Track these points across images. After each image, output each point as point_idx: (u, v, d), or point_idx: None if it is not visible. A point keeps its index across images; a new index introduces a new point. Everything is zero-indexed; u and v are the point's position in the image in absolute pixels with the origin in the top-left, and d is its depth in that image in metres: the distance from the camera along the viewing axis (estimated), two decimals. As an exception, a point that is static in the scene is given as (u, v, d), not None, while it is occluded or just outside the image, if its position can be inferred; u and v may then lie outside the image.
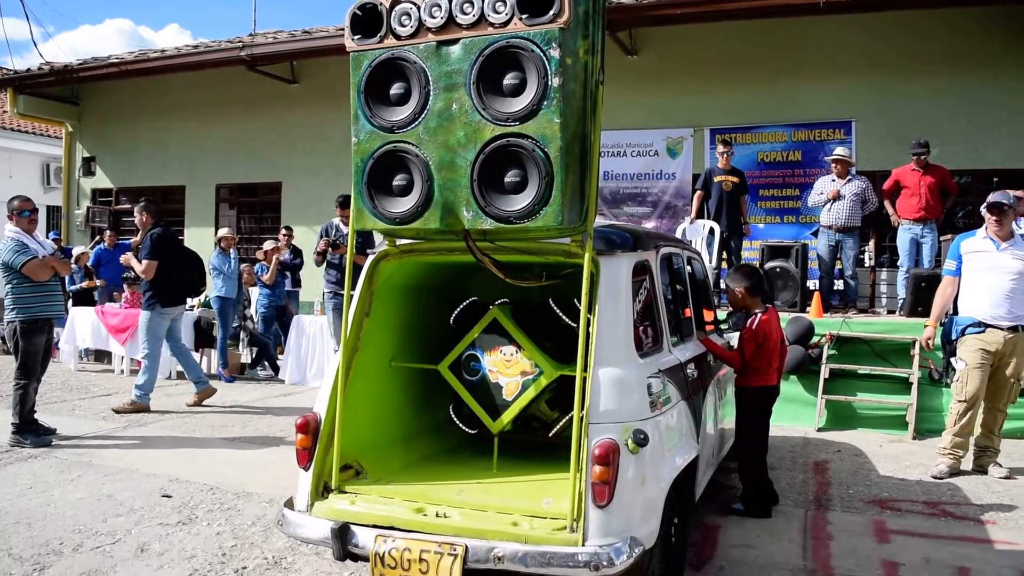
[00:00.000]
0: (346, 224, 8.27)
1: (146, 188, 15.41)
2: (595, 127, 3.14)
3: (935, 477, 5.91)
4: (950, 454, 6.01)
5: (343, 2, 3.29)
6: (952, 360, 6.16)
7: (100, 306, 11.17)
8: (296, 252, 11.51)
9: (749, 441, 4.95)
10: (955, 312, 6.15)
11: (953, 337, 6.03)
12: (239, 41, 12.94)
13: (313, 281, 12.20)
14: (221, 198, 14.90)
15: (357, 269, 8.03)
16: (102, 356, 11.66)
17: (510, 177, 3.06)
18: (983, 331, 5.83)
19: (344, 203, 8.28)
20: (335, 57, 2.78)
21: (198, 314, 10.64)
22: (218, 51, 13.14)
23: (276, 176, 14.11)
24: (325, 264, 8.53)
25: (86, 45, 58.04)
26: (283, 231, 11.58)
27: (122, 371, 10.67)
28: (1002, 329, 5.78)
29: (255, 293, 11.22)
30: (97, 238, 14.00)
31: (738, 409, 4.97)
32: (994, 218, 5.83)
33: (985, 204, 5.92)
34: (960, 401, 5.93)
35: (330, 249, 8.32)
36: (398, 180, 3.25)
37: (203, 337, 10.57)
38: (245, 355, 11.13)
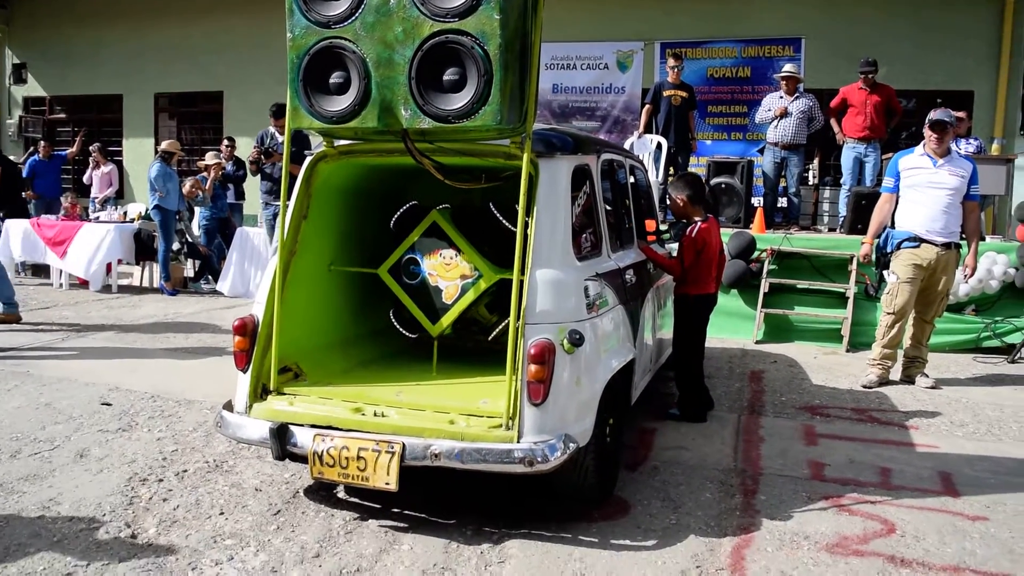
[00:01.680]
0: (281, 133, 8.19)
1: (81, 96, 14.88)
2: (536, 25, 3.07)
3: (865, 386, 6.11)
4: (879, 364, 6.20)
5: None
6: (885, 273, 6.29)
7: (36, 218, 10.84)
8: (239, 163, 11.25)
9: (686, 348, 5.05)
10: (892, 227, 6.25)
11: (888, 251, 6.13)
12: (177, -60, 12.39)
13: (256, 193, 11.98)
14: (160, 108, 14.44)
15: (293, 179, 7.96)
16: (40, 270, 11.37)
17: (449, 75, 3.01)
18: (917, 246, 5.94)
19: (278, 112, 8.17)
20: (279, -37, 2.71)
21: (138, 226, 10.41)
22: (155, -48, 12.58)
23: (217, 85, 13.70)
24: (259, 174, 8.49)
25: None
26: (225, 142, 11.30)
27: (61, 284, 10.43)
28: (936, 245, 5.90)
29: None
30: (31, 149, 13.51)
31: (676, 317, 5.05)
32: (935, 135, 5.89)
33: (927, 121, 5.97)
34: (889, 313, 6.10)
35: (263, 157, 8.24)
36: (335, 78, 3.18)
37: (144, 249, 10.36)
38: (188, 268, 10.95)
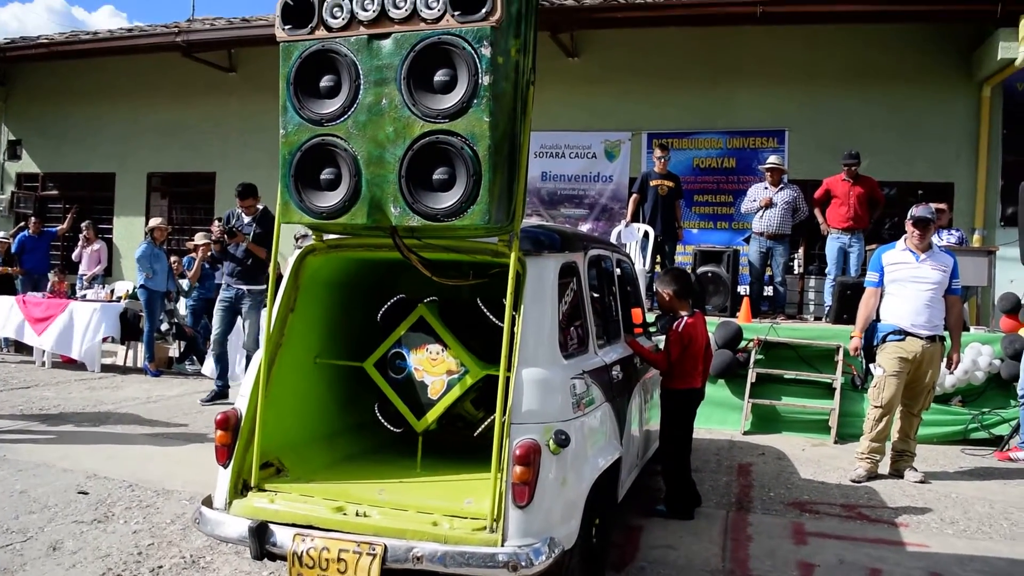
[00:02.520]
0: (247, 213, 8.11)
1: (74, 174, 14.99)
2: (525, 127, 3.13)
3: (853, 481, 6.05)
4: (867, 458, 6.17)
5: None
6: (871, 366, 6.29)
7: (22, 295, 10.81)
8: (228, 244, 11.29)
9: (672, 443, 5.00)
10: (877, 320, 6.28)
11: (874, 343, 6.16)
12: (175, 26, 12.67)
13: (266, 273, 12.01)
14: (153, 187, 14.53)
15: (256, 260, 7.68)
16: (23, 347, 11.27)
17: (438, 174, 3.05)
18: (903, 339, 5.98)
19: (244, 192, 8.10)
20: (273, 46, 2.73)
21: (125, 305, 10.37)
22: (153, 36, 12.85)
23: (210, 166, 13.82)
24: (223, 254, 8.29)
25: (14, 24, 56.07)
26: (216, 223, 11.34)
27: (43, 363, 10.34)
28: (921, 338, 5.94)
29: (186, 285, 10.97)
30: (21, 224, 13.54)
31: (663, 411, 5.02)
32: (918, 232, 6.00)
33: (910, 218, 6.08)
34: (876, 407, 6.10)
35: (227, 237, 8.04)
36: (326, 174, 3.21)
37: (129, 329, 10.30)
38: (173, 349, 10.87)
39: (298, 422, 3.81)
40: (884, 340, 6.06)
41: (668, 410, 4.99)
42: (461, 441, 4.08)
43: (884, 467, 6.25)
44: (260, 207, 8.20)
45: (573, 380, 3.33)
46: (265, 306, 8.11)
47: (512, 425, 3.05)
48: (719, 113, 11.22)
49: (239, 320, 8.42)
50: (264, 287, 8.22)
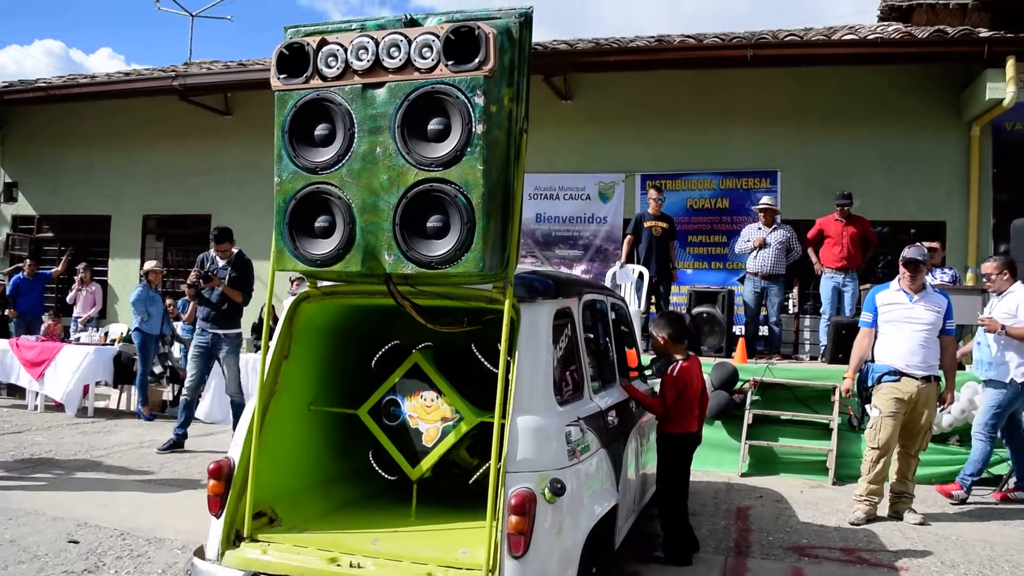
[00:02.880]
0: (222, 257, 8.00)
1: (70, 216, 15.01)
2: (518, 175, 3.15)
3: (852, 524, 5.99)
4: (866, 500, 6.11)
5: (280, 34, 3.27)
6: (867, 407, 6.26)
7: (15, 339, 10.76)
8: (223, 287, 11.30)
9: (669, 488, 4.95)
10: (872, 360, 6.27)
11: (869, 384, 6.15)
12: (172, 70, 12.80)
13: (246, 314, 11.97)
14: (148, 229, 14.55)
15: (232, 304, 7.73)
16: (16, 390, 11.20)
17: (432, 222, 3.06)
18: (898, 379, 5.97)
19: (219, 236, 8.01)
20: (269, 90, 2.75)
21: (118, 349, 10.32)
22: (150, 80, 12.97)
23: (206, 208, 13.84)
24: (197, 298, 8.14)
25: (13, 67, 56.57)
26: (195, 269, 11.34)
27: (36, 407, 10.26)
28: (916, 378, 5.94)
29: (180, 328, 10.95)
30: (16, 266, 13.52)
31: (659, 456, 4.98)
32: (909, 273, 6.03)
33: (901, 259, 6.11)
34: (873, 448, 6.06)
35: (202, 282, 7.88)
36: (320, 222, 3.22)
37: (123, 373, 10.25)
38: (166, 392, 10.81)
39: (292, 470, 3.78)
40: (879, 381, 6.06)
41: (664, 454, 4.95)
42: (456, 488, 4.05)
43: (883, 509, 6.20)
44: (235, 251, 8.10)
45: (568, 427, 3.32)
46: (242, 350, 8.17)
47: (507, 473, 3.03)
48: (712, 154, 11.32)
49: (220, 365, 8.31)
50: (240, 331, 8.22)
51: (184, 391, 8.26)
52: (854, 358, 6.31)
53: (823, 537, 5.65)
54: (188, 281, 8.13)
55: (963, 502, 6.73)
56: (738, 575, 4.75)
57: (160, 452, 7.76)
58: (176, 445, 7.94)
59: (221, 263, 8.01)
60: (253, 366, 9.20)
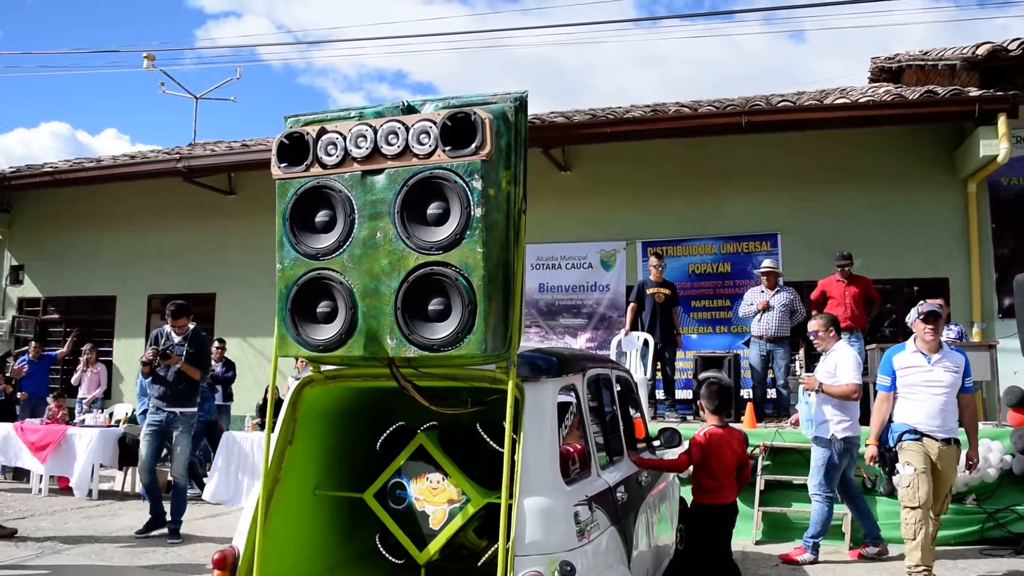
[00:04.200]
0: (178, 333, 7.76)
1: (75, 298, 15.10)
2: (518, 255, 3.18)
3: None
4: (925, 569, 5.58)
5: (280, 116, 3.35)
6: (897, 466, 5.97)
7: (19, 423, 10.72)
8: (228, 365, 11.30)
9: (701, 560, 5.07)
10: (890, 421, 6.05)
11: (890, 444, 5.93)
12: (176, 152, 13.02)
13: (246, 396, 11.96)
14: (153, 309, 14.60)
15: (189, 382, 7.62)
16: (21, 473, 11.12)
17: (434, 305, 3.07)
18: (919, 439, 5.79)
19: (176, 312, 7.77)
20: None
21: (123, 430, 10.27)
22: (155, 162, 13.19)
23: (210, 287, 13.94)
24: (151, 376, 7.72)
25: (20, 149, 57.58)
26: (216, 343, 11.38)
27: (40, 490, 10.17)
28: (936, 440, 5.78)
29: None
30: (23, 348, 13.56)
31: (694, 527, 5.13)
32: (930, 327, 5.82)
33: (918, 314, 5.89)
34: (913, 508, 5.65)
35: (159, 359, 7.57)
36: (322, 307, 3.24)
37: (128, 454, 10.17)
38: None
39: (297, 557, 3.73)
40: (900, 439, 5.84)
41: (698, 523, 5.15)
42: (465, 571, 3.98)
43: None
44: (191, 327, 7.91)
45: (576, 507, 3.28)
46: (195, 430, 7.92)
47: (516, 557, 2.99)
48: (711, 220, 11.42)
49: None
50: (196, 410, 7.97)
51: (139, 474, 7.93)
52: (875, 424, 6.07)
53: (842, 608, 5.52)
54: (143, 358, 7.72)
55: (814, 562, 6.69)
56: (756, 651, 4.63)
57: (138, 536, 7.53)
58: (155, 525, 7.69)
59: (177, 339, 7.77)
60: (257, 445, 9.15)
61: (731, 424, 5.22)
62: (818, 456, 6.75)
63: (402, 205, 3.11)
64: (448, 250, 3.04)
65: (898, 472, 5.94)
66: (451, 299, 3.04)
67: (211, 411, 10.61)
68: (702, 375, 9.13)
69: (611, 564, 3.57)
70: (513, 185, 3.20)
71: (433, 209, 3.10)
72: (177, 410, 7.71)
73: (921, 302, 6.06)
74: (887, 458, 6.05)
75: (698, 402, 5.44)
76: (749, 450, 7.73)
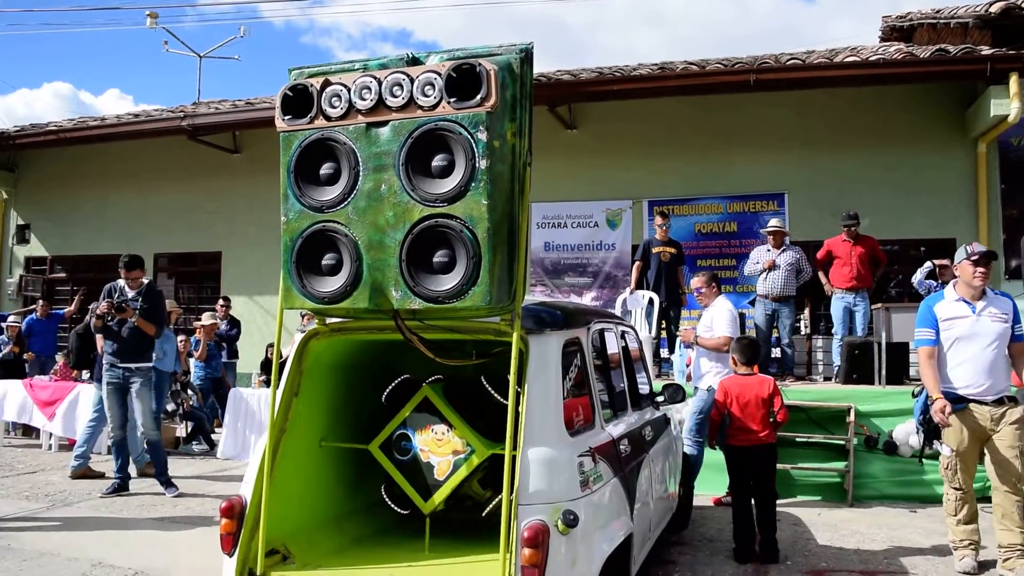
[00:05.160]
0: (132, 287, 7.53)
1: (82, 256, 15.14)
2: (523, 208, 3.17)
3: (964, 571, 5.17)
4: (968, 545, 5.22)
5: (285, 71, 3.32)
6: (936, 443, 5.33)
7: (29, 379, 10.83)
8: (233, 323, 11.36)
9: (734, 494, 5.65)
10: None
11: (930, 413, 5.17)
12: (181, 111, 12.95)
13: (252, 353, 12.04)
14: (160, 267, 14.67)
15: (144, 336, 7.42)
16: (31, 431, 11.25)
17: (438, 257, 3.08)
18: (964, 407, 5.06)
19: (131, 264, 7.51)
20: (276, 128, 2.84)
21: (132, 387, 10.35)
22: (159, 120, 13.13)
23: (216, 246, 13.98)
24: (104, 331, 7.52)
25: (23, 110, 57.36)
26: (221, 302, 11.43)
27: (50, 446, 10.30)
28: (986, 404, 5.07)
29: (193, 365, 11.00)
30: (30, 307, 13.64)
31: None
32: (981, 271, 5.07)
33: (970, 255, 5.12)
34: (955, 489, 5.21)
35: (114, 312, 7.33)
36: (327, 259, 3.25)
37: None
38: (180, 429, 10.82)
39: (304, 507, 3.78)
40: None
41: (728, 463, 5.70)
42: (469, 522, 4.04)
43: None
44: (145, 280, 7.71)
45: (580, 458, 3.31)
46: (153, 384, 7.83)
47: (519, 506, 3.03)
48: (718, 179, 11.36)
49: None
50: (152, 364, 7.76)
51: (110, 433, 7.77)
52: (930, 380, 5.19)
53: (842, 560, 5.59)
54: (97, 311, 7.43)
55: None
56: (756, 602, 4.70)
57: (104, 496, 7.32)
58: (121, 488, 7.52)
59: (131, 293, 7.53)
60: (264, 402, 9.23)
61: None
62: (694, 404, 6.97)
63: (407, 157, 3.11)
64: (453, 202, 3.04)
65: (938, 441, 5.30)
66: (456, 251, 3.05)
67: (218, 368, 10.70)
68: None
69: (614, 514, 3.62)
70: (518, 137, 3.19)
71: (438, 161, 3.09)
72: (132, 365, 7.48)
73: (968, 244, 5.34)
74: (925, 430, 5.39)
75: (731, 356, 5.75)
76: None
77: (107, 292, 7.58)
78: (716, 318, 6.88)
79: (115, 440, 7.62)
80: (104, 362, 7.61)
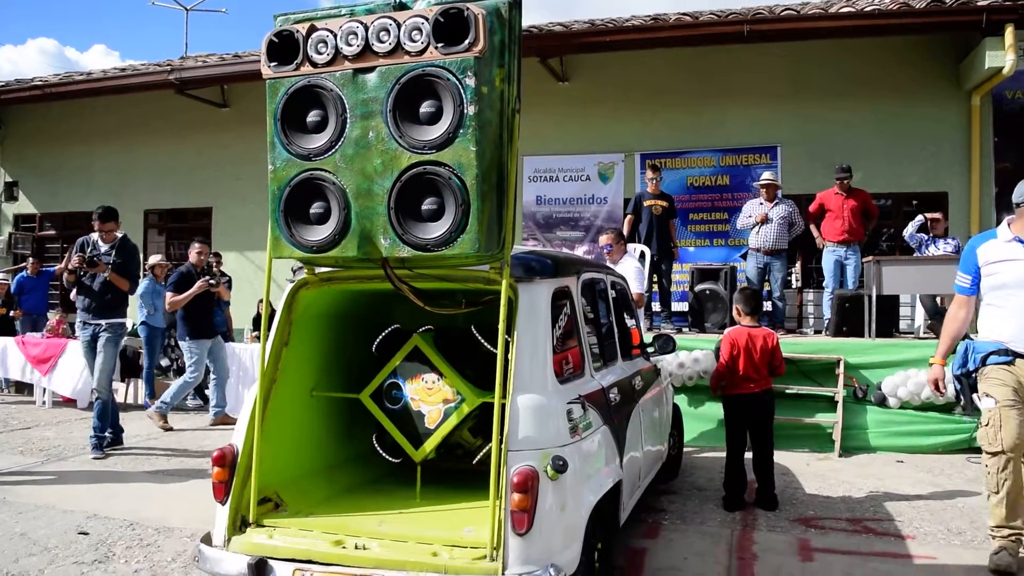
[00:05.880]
0: (105, 241, 7.36)
1: (71, 213, 15.04)
2: (512, 155, 3.14)
3: (994, 570, 4.30)
4: (1012, 532, 4.32)
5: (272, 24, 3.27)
6: (974, 397, 4.52)
7: (21, 336, 10.82)
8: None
9: (728, 443, 5.77)
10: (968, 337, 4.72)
11: (971, 367, 4.50)
12: (168, 64, 12.77)
13: (244, 309, 12.03)
14: (150, 224, 14.60)
15: (117, 292, 7.27)
16: (24, 387, 11.27)
17: (427, 205, 3.06)
18: (1011, 361, 4.32)
19: (105, 215, 7.34)
20: (264, 81, 2.79)
21: (124, 342, 10.35)
22: (146, 74, 12.95)
23: (206, 201, 13.91)
24: (77, 286, 7.36)
25: (8, 67, 56.53)
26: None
27: (44, 403, 10.33)
28: None
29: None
30: (20, 265, 13.58)
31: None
32: None
33: None
34: (996, 453, 4.28)
35: (86, 266, 7.13)
36: (315, 208, 3.23)
37: (130, 367, 10.30)
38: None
39: (295, 456, 3.80)
40: (984, 363, 4.43)
41: (725, 413, 5.82)
42: (460, 470, 4.07)
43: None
44: (119, 235, 7.49)
45: (569, 405, 3.33)
46: (121, 341, 7.85)
47: (509, 452, 3.05)
48: (711, 132, 11.30)
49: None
50: (124, 320, 7.62)
51: (94, 391, 7.50)
52: (947, 336, 4.67)
53: (829, 509, 5.67)
54: (69, 266, 7.21)
55: None
56: (745, 548, 4.77)
57: (95, 459, 7.11)
58: (115, 442, 7.47)
59: (104, 247, 7.33)
60: (257, 357, 9.23)
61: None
62: None
63: (394, 104, 3.07)
64: (441, 149, 3.01)
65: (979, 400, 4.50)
66: (444, 199, 3.02)
67: (223, 324, 10.58)
68: (698, 287, 9.17)
69: (603, 461, 3.65)
70: (507, 84, 3.14)
71: (426, 107, 3.06)
72: (104, 321, 7.32)
73: None
74: (966, 384, 4.59)
75: (734, 306, 5.84)
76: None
77: (79, 246, 7.37)
78: (626, 276, 6.73)
79: (100, 400, 7.39)
80: (77, 318, 7.45)
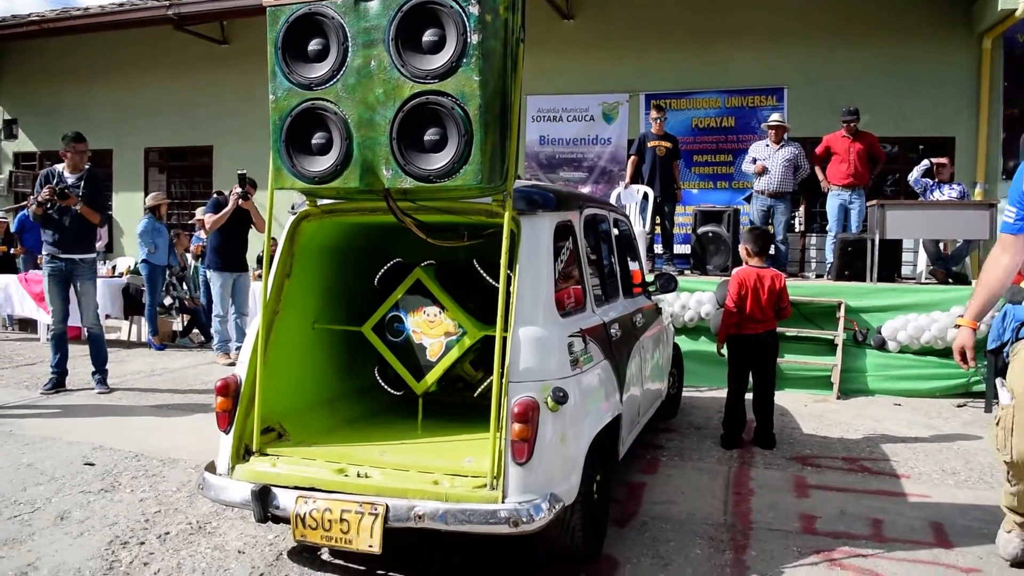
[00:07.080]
0: (72, 172, 6.97)
1: (72, 151, 14.93)
2: (516, 85, 3.11)
3: (1007, 558, 3.65)
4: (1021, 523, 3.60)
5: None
6: (997, 384, 3.52)
7: (23, 274, 10.84)
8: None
9: (730, 382, 5.81)
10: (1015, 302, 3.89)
11: (1006, 338, 3.86)
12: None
13: (256, 242, 12.00)
14: (150, 162, 14.52)
15: (88, 225, 7.04)
16: (27, 324, 11.33)
17: (429, 135, 3.03)
18: None
19: (77, 136, 6.98)
20: (264, 16, 2.72)
21: (127, 280, 10.40)
22: (144, 9, 12.72)
23: (207, 139, 13.79)
24: (44, 219, 6.94)
25: (3, 4, 55.59)
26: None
27: (47, 340, 10.37)
28: None
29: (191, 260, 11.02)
30: (22, 203, 13.52)
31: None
32: None
33: None
34: (1004, 462, 3.45)
35: (57, 199, 6.77)
36: (317, 138, 3.20)
37: (132, 304, 10.34)
38: (176, 322, 10.91)
39: (298, 387, 3.83)
40: (1018, 335, 3.74)
41: (728, 353, 5.79)
42: (461, 402, 4.11)
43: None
44: (87, 166, 7.11)
45: (570, 338, 3.34)
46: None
47: (510, 384, 3.07)
48: (717, 73, 11.15)
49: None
50: (96, 255, 7.40)
51: (50, 325, 7.34)
52: (982, 289, 3.54)
53: (826, 448, 5.73)
54: (39, 198, 6.83)
55: None
56: (741, 483, 4.84)
57: (44, 394, 7.07)
58: (58, 385, 7.23)
59: (71, 179, 6.95)
60: (259, 295, 9.26)
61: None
62: None
63: (396, 32, 3.02)
64: (444, 78, 2.97)
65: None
66: (447, 129, 3.00)
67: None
68: (701, 229, 9.14)
69: (603, 395, 3.67)
70: (511, 12, 3.09)
71: (428, 36, 3.01)
72: (76, 256, 7.03)
73: None
74: (992, 364, 3.72)
75: (742, 246, 5.82)
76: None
77: (44, 178, 6.97)
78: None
79: (55, 334, 7.19)
80: (44, 253, 7.13)
